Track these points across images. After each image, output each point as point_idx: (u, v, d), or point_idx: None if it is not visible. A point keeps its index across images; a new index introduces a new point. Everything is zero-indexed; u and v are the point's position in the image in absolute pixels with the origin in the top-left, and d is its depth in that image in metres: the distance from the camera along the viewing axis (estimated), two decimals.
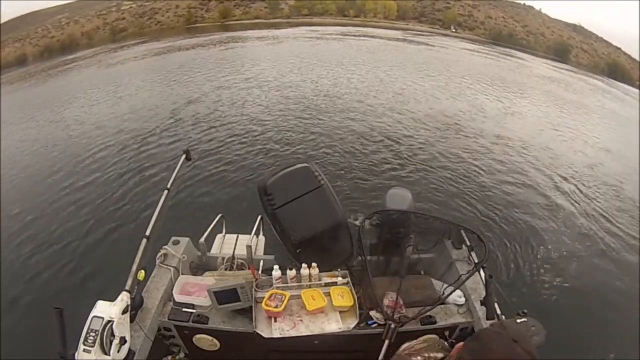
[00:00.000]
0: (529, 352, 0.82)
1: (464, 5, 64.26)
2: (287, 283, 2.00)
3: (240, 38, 30.59)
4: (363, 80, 13.61)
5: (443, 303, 2.03)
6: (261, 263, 2.26)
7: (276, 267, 1.99)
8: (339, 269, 2.13)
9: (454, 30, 58.13)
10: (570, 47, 55.39)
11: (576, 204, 5.98)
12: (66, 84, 18.21)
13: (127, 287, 1.68)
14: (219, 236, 2.71)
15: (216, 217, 2.59)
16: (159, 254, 2.13)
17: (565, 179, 6.87)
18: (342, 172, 6.12)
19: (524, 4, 68.12)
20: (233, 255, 2.32)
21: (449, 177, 6.28)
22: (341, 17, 60.43)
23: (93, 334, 1.45)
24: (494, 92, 14.09)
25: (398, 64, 18.38)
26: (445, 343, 1.17)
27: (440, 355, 1.07)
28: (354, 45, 25.33)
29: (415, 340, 1.17)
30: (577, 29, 61.96)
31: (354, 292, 1.94)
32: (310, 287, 1.95)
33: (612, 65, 50.74)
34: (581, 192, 6.46)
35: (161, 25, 60.60)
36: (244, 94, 11.43)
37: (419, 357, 1.08)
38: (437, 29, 57.64)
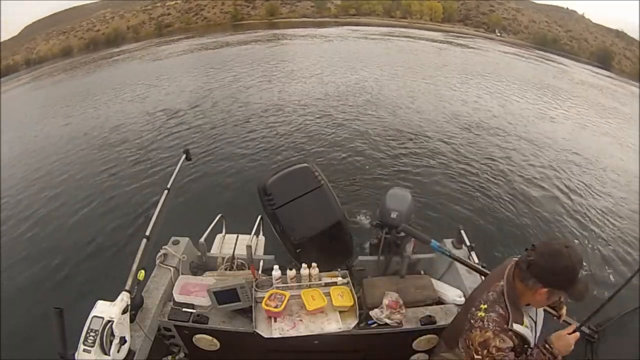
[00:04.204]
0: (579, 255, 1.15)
1: (508, 8, 64.24)
2: (287, 283, 1.99)
3: (284, 36, 31.17)
4: (390, 79, 13.61)
5: (443, 303, 2.04)
6: (261, 263, 2.25)
7: (276, 267, 1.99)
8: (339, 269, 2.12)
9: (498, 34, 57.95)
10: (613, 54, 54.47)
11: (593, 208, 5.82)
12: (107, 76, 19.10)
13: (127, 287, 1.68)
14: (219, 236, 2.71)
15: (216, 217, 2.59)
16: (159, 254, 2.13)
17: (587, 184, 6.68)
18: (344, 171, 6.10)
19: (567, 8, 68.47)
20: (233, 255, 2.31)
21: (463, 174, 6.29)
22: (388, 17, 60.75)
23: (93, 334, 1.45)
24: (530, 96, 13.78)
25: (435, 65, 18.31)
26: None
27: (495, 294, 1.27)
28: (394, 46, 25.52)
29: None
30: (620, 34, 61.09)
31: (354, 292, 1.93)
32: (310, 287, 1.95)
33: None
34: (600, 197, 6.26)
35: (207, 21, 61.62)
36: (253, 92, 11.50)
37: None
38: (482, 32, 57.50)
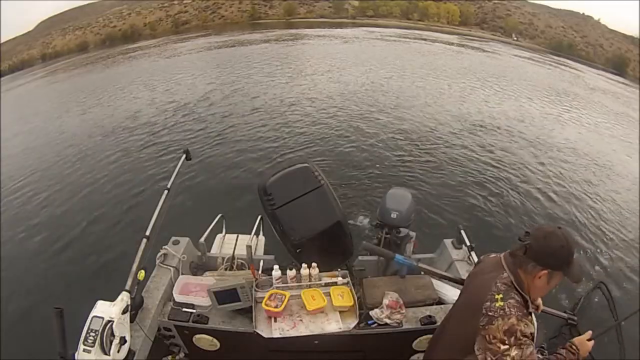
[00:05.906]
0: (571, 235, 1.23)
1: (524, 13, 64.58)
2: (287, 283, 1.99)
3: (301, 36, 31.44)
4: (402, 80, 13.65)
5: (443, 303, 2.04)
6: (261, 263, 2.25)
7: (276, 267, 1.99)
8: (339, 269, 2.12)
9: (515, 38, 58.06)
10: (627, 60, 54.45)
11: (594, 209, 5.78)
12: (123, 72, 19.62)
13: (127, 287, 1.68)
14: (219, 236, 2.72)
15: (216, 217, 2.59)
16: (159, 254, 2.13)
17: (591, 185, 6.65)
18: (344, 171, 6.09)
19: (583, 13, 68.71)
20: (233, 255, 2.31)
21: (466, 175, 6.29)
22: (405, 20, 61.21)
23: (93, 334, 1.45)
24: (541, 100, 13.67)
25: (452, 67, 18.34)
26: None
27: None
28: (410, 48, 25.74)
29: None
30: (635, 41, 60.86)
31: (354, 292, 1.93)
32: (310, 287, 1.95)
33: None
34: (607, 200, 6.20)
35: (225, 19, 62.24)
36: (261, 90, 11.54)
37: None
38: (499, 36, 57.79)
